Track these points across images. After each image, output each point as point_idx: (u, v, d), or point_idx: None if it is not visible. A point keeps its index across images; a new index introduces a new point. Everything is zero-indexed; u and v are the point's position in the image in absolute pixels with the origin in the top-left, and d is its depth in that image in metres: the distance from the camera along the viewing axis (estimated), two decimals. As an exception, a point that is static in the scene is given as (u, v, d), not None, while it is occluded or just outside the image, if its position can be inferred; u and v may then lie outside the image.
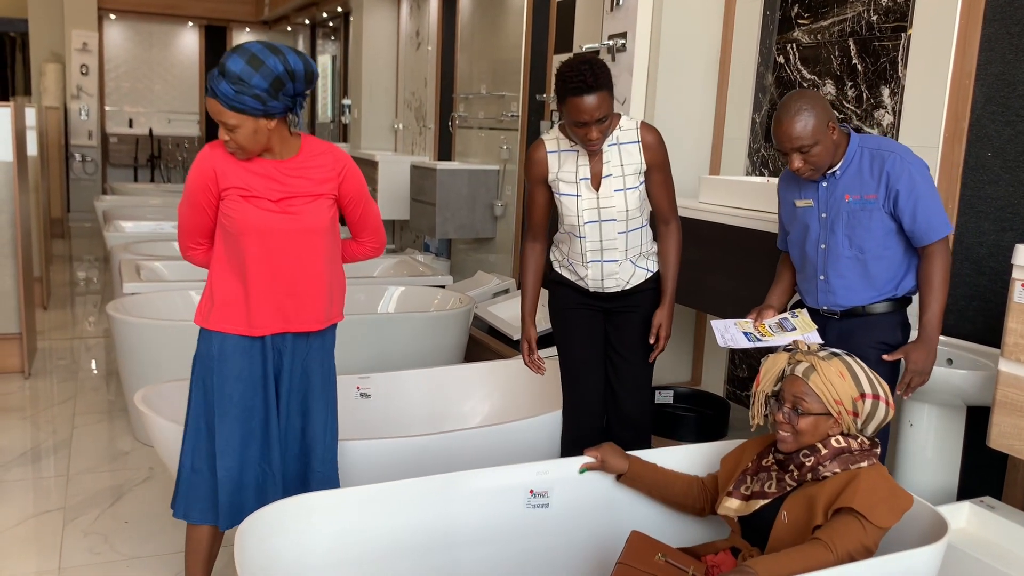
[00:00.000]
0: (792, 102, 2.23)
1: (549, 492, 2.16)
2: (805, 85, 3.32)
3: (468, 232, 5.55)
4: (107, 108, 11.10)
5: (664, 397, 3.48)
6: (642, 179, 2.52)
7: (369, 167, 6.56)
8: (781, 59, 3.43)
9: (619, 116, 2.52)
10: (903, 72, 2.90)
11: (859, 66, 3.07)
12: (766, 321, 2.36)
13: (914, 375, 2.22)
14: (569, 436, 2.70)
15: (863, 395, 1.85)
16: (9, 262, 4.41)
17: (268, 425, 2.21)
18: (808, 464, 1.85)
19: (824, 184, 2.34)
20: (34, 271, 5.05)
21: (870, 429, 1.89)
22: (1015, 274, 2.08)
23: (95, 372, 4.72)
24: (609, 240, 2.53)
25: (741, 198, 3.13)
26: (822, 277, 2.35)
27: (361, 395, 3.16)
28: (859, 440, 1.86)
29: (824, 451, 1.84)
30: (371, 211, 2.38)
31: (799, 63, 3.34)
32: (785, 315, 2.37)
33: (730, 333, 2.35)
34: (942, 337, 2.68)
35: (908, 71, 2.87)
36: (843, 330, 2.33)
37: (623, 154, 2.49)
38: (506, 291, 5.22)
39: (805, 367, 1.87)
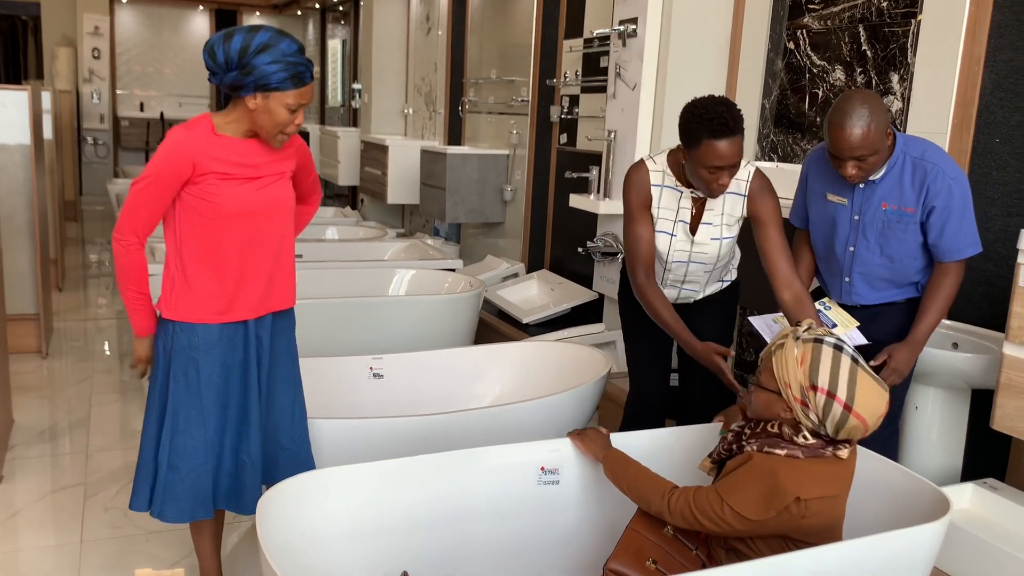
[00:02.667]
0: (854, 105, 2.08)
1: (560, 469, 2.20)
2: (815, 71, 3.34)
3: (478, 216, 5.59)
4: (118, 92, 11.15)
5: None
6: (739, 227, 2.46)
7: (379, 151, 6.59)
8: (791, 45, 3.44)
9: None
10: (912, 58, 2.92)
11: (869, 52, 3.09)
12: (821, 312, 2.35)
13: (892, 373, 2.24)
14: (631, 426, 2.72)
15: (814, 386, 1.73)
16: (27, 244, 4.48)
17: (248, 411, 2.19)
18: (745, 436, 1.86)
19: (862, 186, 2.27)
20: (50, 253, 5.12)
21: (829, 429, 1.74)
22: (1020, 259, 2.12)
23: (108, 353, 4.79)
24: (693, 275, 2.51)
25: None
26: (847, 279, 2.34)
27: (374, 375, 3.21)
28: (802, 436, 1.76)
29: (758, 429, 1.83)
30: (315, 170, 2.41)
31: (809, 49, 3.36)
32: (818, 308, 2.36)
33: (772, 330, 2.39)
34: (948, 321, 2.71)
35: (917, 57, 2.89)
36: (869, 315, 2.37)
37: (727, 202, 2.42)
38: (515, 275, 5.27)
39: (780, 343, 1.84)
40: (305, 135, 8.86)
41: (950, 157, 2.23)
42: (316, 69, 9.96)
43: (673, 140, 3.80)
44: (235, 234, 2.10)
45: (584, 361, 3.20)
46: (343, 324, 3.78)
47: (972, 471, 2.65)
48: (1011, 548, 2.17)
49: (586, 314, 4.56)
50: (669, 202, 2.41)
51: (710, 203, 2.40)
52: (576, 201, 4.04)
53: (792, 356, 1.78)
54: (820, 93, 3.30)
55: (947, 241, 2.20)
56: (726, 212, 2.41)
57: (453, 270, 4.68)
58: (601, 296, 4.40)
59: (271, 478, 2.30)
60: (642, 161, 2.45)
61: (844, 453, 1.76)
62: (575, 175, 4.42)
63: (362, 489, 2.07)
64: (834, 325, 2.30)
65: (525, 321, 4.51)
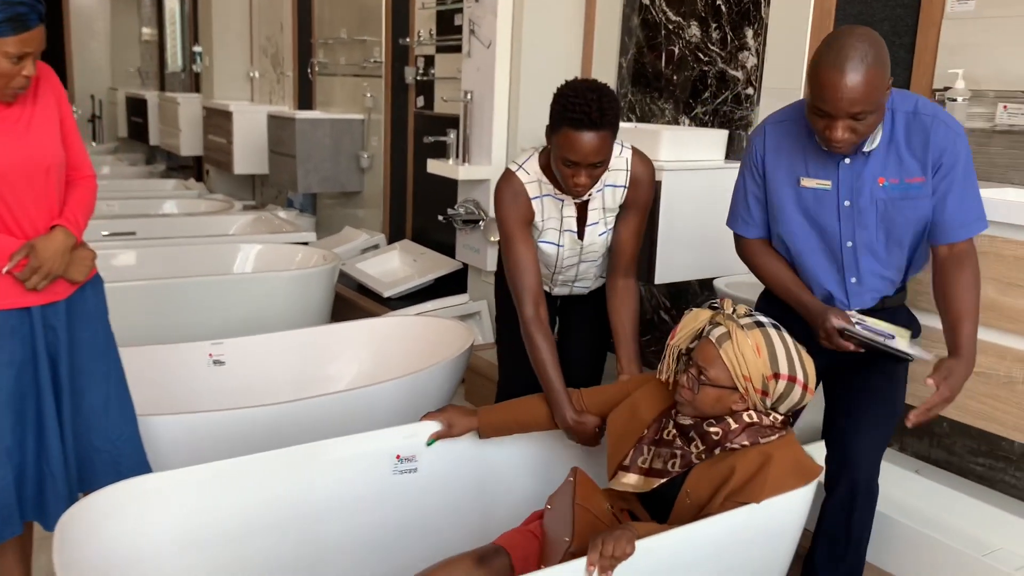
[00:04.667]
0: (854, 41, 1.61)
1: (417, 456, 2.03)
2: (670, 28, 3.26)
3: (333, 185, 5.29)
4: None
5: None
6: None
7: (223, 118, 6.15)
8: (647, 1, 3.35)
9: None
10: (766, 12, 2.88)
11: (723, 7, 3.03)
12: (868, 324, 1.82)
13: (943, 403, 1.71)
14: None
15: (776, 375, 1.69)
16: None
17: (42, 414, 1.92)
18: (715, 438, 1.73)
19: (847, 160, 1.77)
20: None
21: (781, 409, 1.74)
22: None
23: None
24: (584, 273, 2.31)
25: (610, 143, 3.05)
26: (853, 280, 1.86)
27: (214, 362, 2.92)
28: (771, 417, 1.74)
29: (734, 426, 1.72)
30: (76, 134, 2.03)
31: (664, 4, 3.27)
32: (859, 323, 1.83)
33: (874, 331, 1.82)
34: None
35: (771, 11, 2.85)
36: (887, 316, 1.90)
37: (607, 197, 2.15)
38: (375, 247, 5.03)
39: (721, 333, 1.72)
40: (143, 102, 8.20)
41: (948, 112, 1.81)
42: (152, 31, 9.22)
43: (531, 100, 3.68)
44: (9, 196, 1.80)
45: (446, 335, 3.03)
46: (180, 307, 3.44)
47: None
48: (890, 511, 2.15)
49: (450, 285, 4.39)
50: (551, 212, 2.14)
51: (593, 201, 2.14)
52: (434, 167, 3.84)
53: (748, 347, 1.68)
54: (676, 50, 3.23)
55: (954, 214, 1.73)
56: (607, 207, 2.17)
57: (306, 243, 4.39)
58: (465, 266, 4.24)
59: (91, 485, 2.01)
60: (511, 173, 2.12)
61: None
62: (433, 139, 4.22)
63: (191, 495, 1.84)
64: (891, 336, 1.80)
65: (386, 295, 4.29)
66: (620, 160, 2.12)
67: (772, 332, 1.73)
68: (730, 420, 1.73)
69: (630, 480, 1.82)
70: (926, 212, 1.76)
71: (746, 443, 1.71)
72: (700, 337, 1.79)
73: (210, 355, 2.92)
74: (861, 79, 1.59)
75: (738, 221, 1.98)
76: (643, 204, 2.18)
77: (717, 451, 1.73)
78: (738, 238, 2.02)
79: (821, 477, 1.84)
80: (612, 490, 1.88)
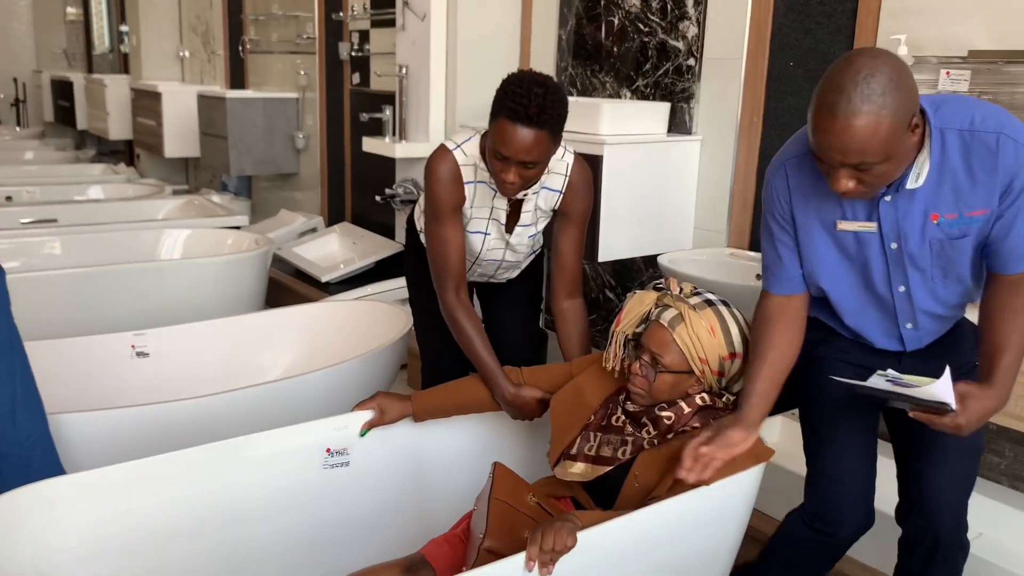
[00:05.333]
0: (860, 73, 1.29)
1: (349, 449, 1.92)
2: (611, -3, 3.15)
3: (268, 168, 5.10)
4: None
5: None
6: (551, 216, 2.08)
7: (152, 99, 5.90)
8: (586, -30, 3.25)
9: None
10: (706, -20, 2.79)
11: (663, -25, 2.94)
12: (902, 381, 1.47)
13: (958, 429, 1.41)
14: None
15: (732, 354, 1.64)
16: None
17: None
18: (668, 422, 1.66)
19: (887, 199, 1.47)
20: None
21: (735, 388, 1.69)
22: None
23: None
24: (506, 267, 2.19)
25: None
26: (909, 325, 1.60)
27: (137, 354, 2.76)
28: (724, 398, 1.68)
29: (687, 409, 1.65)
30: None
31: (604, -27, 3.17)
32: (892, 380, 1.47)
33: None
34: (753, 253, 2.65)
35: (711, -21, 2.77)
36: (938, 351, 1.64)
37: (541, 199, 2.04)
38: (313, 230, 4.86)
39: (672, 315, 1.63)
40: (69, 85, 7.84)
41: (1009, 113, 1.46)
42: (78, 10, 8.82)
43: (468, 74, 3.56)
44: None
45: (384, 319, 2.91)
46: (102, 297, 3.25)
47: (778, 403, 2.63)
48: None
49: (392, 268, 4.26)
50: (483, 200, 2.01)
51: (527, 203, 2.02)
52: (370, 145, 3.70)
53: (702, 328, 1.61)
54: (616, 21, 3.13)
55: (1016, 244, 1.44)
56: (540, 208, 2.05)
57: (238, 227, 4.21)
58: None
59: (-2, 492, 1.85)
60: (447, 151, 1.97)
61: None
62: (369, 117, 4.07)
63: (103, 499, 1.71)
64: (910, 386, 1.48)
65: (324, 280, 4.14)
66: (561, 164, 2.00)
67: (723, 310, 1.67)
68: (683, 404, 1.66)
69: (576, 469, 1.73)
70: (985, 239, 1.48)
71: (697, 425, 1.65)
72: (647, 320, 1.71)
73: (132, 347, 2.76)
74: (864, 126, 1.28)
75: (770, 277, 1.63)
76: (581, 214, 2.04)
77: (670, 436, 1.66)
78: (761, 297, 1.66)
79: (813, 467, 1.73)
80: (551, 477, 1.79)
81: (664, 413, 1.66)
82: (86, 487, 1.69)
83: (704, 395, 1.67)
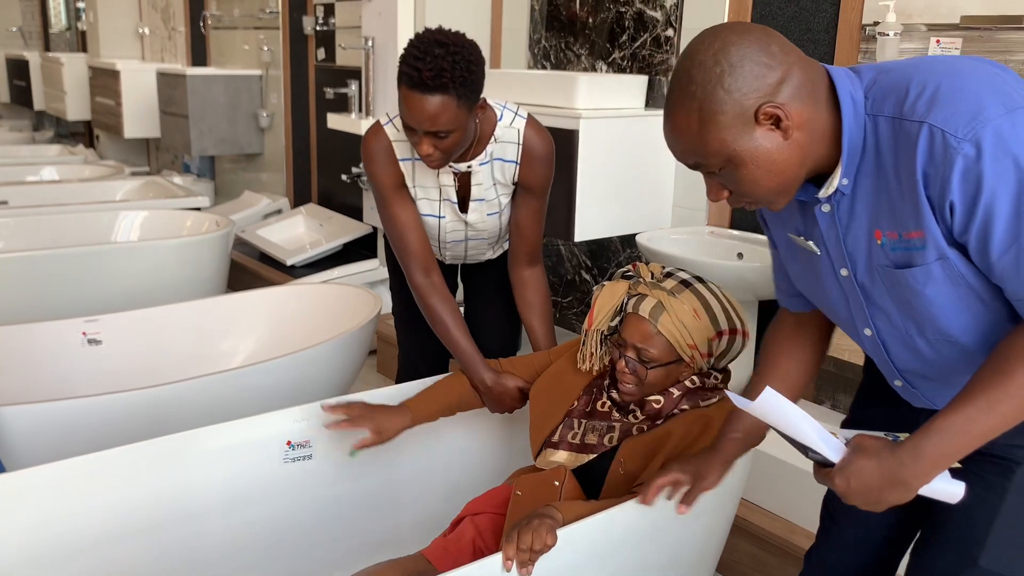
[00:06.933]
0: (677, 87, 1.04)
1: (311, 441, 1.80)
2: (585, -34, 3.03)
3: (230, 147, 4.92)
4: None
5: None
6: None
7: (110, 78, 5.68)
8: (559, -63, 3.12)
9: (493, 115, 1.80)
10: (685, -53, 2.68)
11: (640, -58, 2.82)
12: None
13: (849, 496, 1.06)
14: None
15: (720, 333, 1.55)
16: None
17: None
18: (657, 407, 1.57)
19: (824, 208, 1.11)
20: None
21: (724, 363, 1.61)
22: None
23: None
24: (475, 248, 2.03)
25: (528, 93, 2.81)
26: (898, 383, 1.23)
27: (89, 341, 2.61)
28: (712, 377, 1.60)
29: (676, 394, 1.56)
30: None
31: (578, -59, 3.05)
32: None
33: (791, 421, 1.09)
34: (735, 231, 2.56)
35: (690, -55, 2.66)
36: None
37: (496, 172, 1.85)
38: (279, 211, 4.71)
39: (652, 305, 1.52)
40: (25, 64, 7.55)
41: (971, 76, 0.98)
42: (32, -15, 8.50)
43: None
44: None
45: (352, 304, 2.78)
46: (53, 282, 3.09)
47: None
48: (798, 461, 2.03)
49: (360, 250, 4.13)
50: (425, 179, 1.85)
51: (476, 176, 1.85)
52: (335, 121, 3.55)
53: (686, 314, 1.51)
54: (592, -9, 3.01)
55: (1008, 265, 0.98)
56: (498, 182, 1.88)
57: (198, 209, 4.04)
58: (375, 229, 3.98)
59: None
60: (379, 127, 1.82)
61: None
62: (334, 92, 3.91)
63: (45, 498, 1.58)
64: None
65: (290, 263, 4.00)
66: (510, 131, 1.82)
67: (702, 289, 1.57)
68: (673, 389, 1.58)
69: (559, 457, 1.64)
70: (953, 279, 1.03)
71: (685, 407, 1.57)
72: (621, 312, 1.61)
73: (83, 333, 2.61)
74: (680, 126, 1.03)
75: (777, 292, 1.37)
76: (540, 184, 1.88)
77: (659, 422, 1.57)
78: (778, 311, 1.42)
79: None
80: (532, 467, 1.69)
81: (653, 398, 1.58)
82: (29, 484, 1.57)
83: (693, 377, 1.58)
